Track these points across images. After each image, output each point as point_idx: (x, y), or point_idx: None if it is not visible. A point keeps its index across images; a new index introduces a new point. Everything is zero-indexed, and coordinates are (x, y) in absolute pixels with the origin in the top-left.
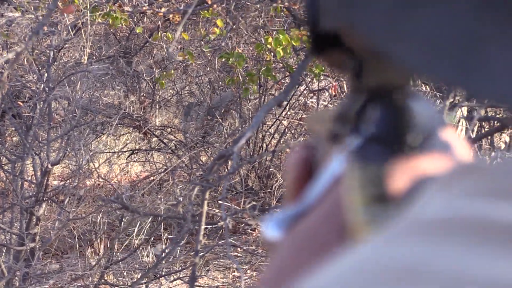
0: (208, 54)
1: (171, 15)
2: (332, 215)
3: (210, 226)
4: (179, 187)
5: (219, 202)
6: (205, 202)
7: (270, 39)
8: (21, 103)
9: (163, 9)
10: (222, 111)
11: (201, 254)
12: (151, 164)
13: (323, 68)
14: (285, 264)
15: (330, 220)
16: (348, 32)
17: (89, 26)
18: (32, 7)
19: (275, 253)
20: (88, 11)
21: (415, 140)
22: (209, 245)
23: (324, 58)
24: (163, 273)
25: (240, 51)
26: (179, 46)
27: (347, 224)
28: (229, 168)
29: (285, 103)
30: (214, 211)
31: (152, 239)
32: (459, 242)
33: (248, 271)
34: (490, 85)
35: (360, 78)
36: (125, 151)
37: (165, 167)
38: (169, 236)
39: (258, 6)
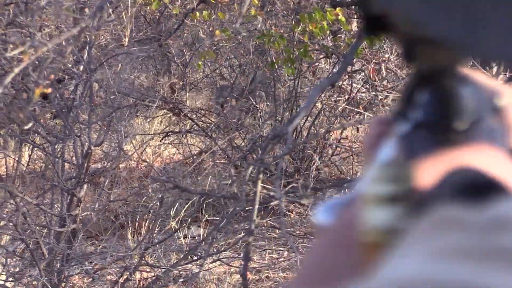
0: (240, 37)
1: None
2: (342, 239)
3: (263, 205)
4: (217, 168)
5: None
6: (259, 182)
7: (305, 16)
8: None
9: None
10: (257, 93)
11: (239, 235)
12: (184, 147)
13: (360, 50)
14: (316, 260)
15: (339, 244)
16: (391, 17)
17: (129, 8)
18: None
19: (313, 244)
20: None
21: (461, 126)
22: (257, 224)
23: (380, 37)
24: (203, 255)
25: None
26: (210, 29)
27: (361, 227)
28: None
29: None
30: (265, 192)
31: (188, 221)
32: None
33: (286, 253)
34: (491, 42)
35: (410, 62)
36: (160, 133)
37: (199, 150)
38: (209, 218)
39: None
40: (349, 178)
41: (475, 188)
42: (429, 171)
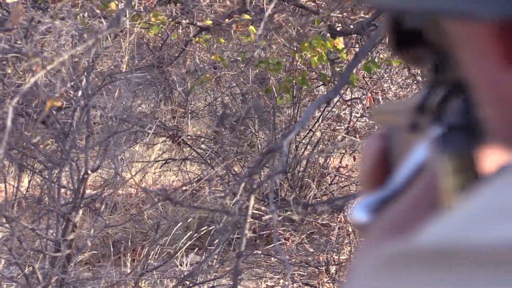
0: (241, 65)
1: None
2: (423, 199)
3: (258, 233)
4: (213, 195)
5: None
6: (252, 197)
7: (305, 45)
8: (54, 111)
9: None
10: (255, 121)
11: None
12: (183, 174)
13: (358, 78)
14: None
15: (421, 204)
16: (434, 28)
17: (128, 35)
18: (71, 15)
19: (366, 236)
20: (127, 20)
21: None
22: (248, 251)
23: (404, 54)
24: (198, 281)
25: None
26: (210, 56)
27: (439, 206)
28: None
29: (317, 114)
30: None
31: (184, 248)
32: None
33: (281, 281)
34: None
35: (441, 71)
36: (159, 160)
37: (198, 177)
38: (206, 246)
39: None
40: (340, 196)
41: None
42: (488, 163)
